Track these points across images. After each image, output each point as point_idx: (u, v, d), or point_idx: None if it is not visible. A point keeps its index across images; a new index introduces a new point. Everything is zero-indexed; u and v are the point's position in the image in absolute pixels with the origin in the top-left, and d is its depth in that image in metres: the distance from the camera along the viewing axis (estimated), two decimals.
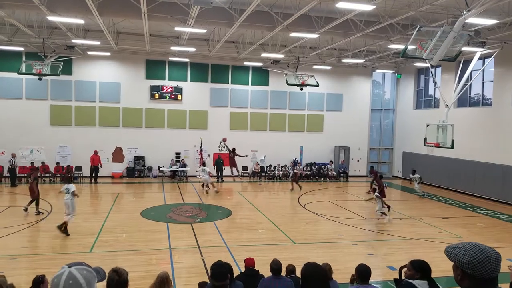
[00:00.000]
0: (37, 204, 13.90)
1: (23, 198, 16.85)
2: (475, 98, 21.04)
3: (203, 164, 20.76)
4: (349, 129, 26.07)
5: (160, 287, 5.34)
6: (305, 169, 25.18)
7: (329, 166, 25.26)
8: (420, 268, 4.29)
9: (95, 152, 21.42)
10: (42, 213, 13.88)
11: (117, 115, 22.92)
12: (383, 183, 14.97)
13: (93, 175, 21.29)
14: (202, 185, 19.13)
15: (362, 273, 5.01)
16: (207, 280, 6.22)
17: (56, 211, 14.39)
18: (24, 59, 20.56)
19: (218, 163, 22.84)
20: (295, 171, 21.34)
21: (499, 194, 18.59)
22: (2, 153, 21.25)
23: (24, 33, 17.65)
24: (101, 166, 21.50)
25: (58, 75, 19.50)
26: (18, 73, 19.32)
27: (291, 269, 6.29)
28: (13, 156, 19.90)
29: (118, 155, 23.08)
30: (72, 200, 11.74)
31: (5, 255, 9.67)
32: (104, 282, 2.10)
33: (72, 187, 11.86)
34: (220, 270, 3.84)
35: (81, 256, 9.61)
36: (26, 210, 13.78)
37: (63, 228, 11.30)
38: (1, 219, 13.19)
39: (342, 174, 25.05)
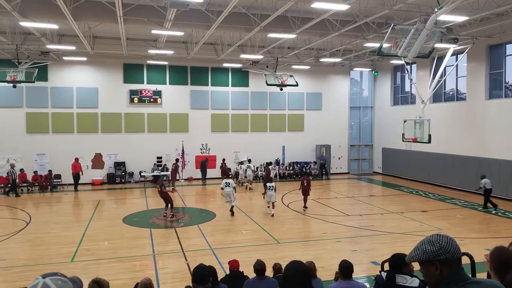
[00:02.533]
0: (171, 208, 14.50)
1: (2, 209, 16.44)
2: (450, 93, 21.58)
3: (249, 161, 21.68)
4: (329, 127, 26.37)
5: None
6: (287, 168, 25.34)
7: (312, 165, 25.47)
8: (390, 264, 4.67)
9: (76, 159, 21.02)
10: (175, 216, 14.59)
11: (95, 121, 22.54)
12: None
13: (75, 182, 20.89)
14: (240, 183, 20.29)
15: (345, 269, 5.10)
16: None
17: (35, 221, 14.09)
18: None
19: (203, 165, 22.80)
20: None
21: (475, 186, 19.06)
22: None
23: None
24: (82, 174, 21.12)
25: (33, 82, 19.06)
26: None
27: (278, 268, 6.33)
28: (12, 166, 19.44)
29: (97, 161, 22.70)
30: (233, 191, 14.78)
31: None
32: None
33: (232, 182, 14.99)
34: (201, 273, 3.85)
35: (63, 266, 9.42)
36: (172, 215, 14.46)
37: (231, 210, 14.86)
38: None
39: (324, 172, 25.22)
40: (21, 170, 20.55)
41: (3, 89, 20.55)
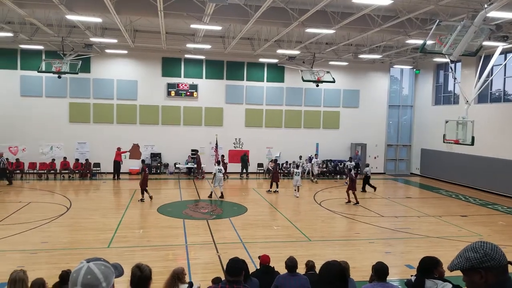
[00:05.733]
0: (142, 193, 16.01)
1: (42, 194, 17.30)
2: (496, 93, 20.52)
3: (315, 156, 23.42)
4: (366, 126, 25.77)
5: (172, 282, 5.41)
6: (321, 166, 24.97)
7: (348, 163, 24.92)
8: (419, 267, 4.50)
9: (119, 149, 21.82)
10: (143, 201, 15.91)
11: (134, 112, 23.20)
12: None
13: (116, 171, 21.63)
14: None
15: (379, 271, 4.96)
16: (223, 276, 6.23)
17: (75, 207, 14.71)
18: (44, 57, 21.02)
19: (244, 160, 23.10)
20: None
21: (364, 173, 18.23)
22: (23, 149, 21.78)
23: (43, 32, 17.99)
24: (122, 163, 21.90)
25: (77, 73, 19.84)
26: (38, 71, 19.76)
27: (311, 265, 6.26)
28: (0, 155, 19.81)
29: (135, 152, 23.37)
30: (222, 177, 17.00)
31: (26, 250, 9.92)
32: (122, 278, 2.13)
33: (222, 169, 17.26)
34: (235, 266, 3.86)
35: (100, 251, 9.77)
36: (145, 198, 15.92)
37: (220, 196, 16.78)
38: (21, 214, 13.53)
39: (359, 170, 24.58)
40: (64, 158, 21.55)
41: (49, 80, 21.53)
